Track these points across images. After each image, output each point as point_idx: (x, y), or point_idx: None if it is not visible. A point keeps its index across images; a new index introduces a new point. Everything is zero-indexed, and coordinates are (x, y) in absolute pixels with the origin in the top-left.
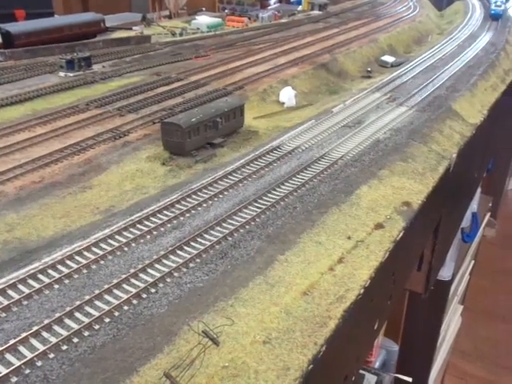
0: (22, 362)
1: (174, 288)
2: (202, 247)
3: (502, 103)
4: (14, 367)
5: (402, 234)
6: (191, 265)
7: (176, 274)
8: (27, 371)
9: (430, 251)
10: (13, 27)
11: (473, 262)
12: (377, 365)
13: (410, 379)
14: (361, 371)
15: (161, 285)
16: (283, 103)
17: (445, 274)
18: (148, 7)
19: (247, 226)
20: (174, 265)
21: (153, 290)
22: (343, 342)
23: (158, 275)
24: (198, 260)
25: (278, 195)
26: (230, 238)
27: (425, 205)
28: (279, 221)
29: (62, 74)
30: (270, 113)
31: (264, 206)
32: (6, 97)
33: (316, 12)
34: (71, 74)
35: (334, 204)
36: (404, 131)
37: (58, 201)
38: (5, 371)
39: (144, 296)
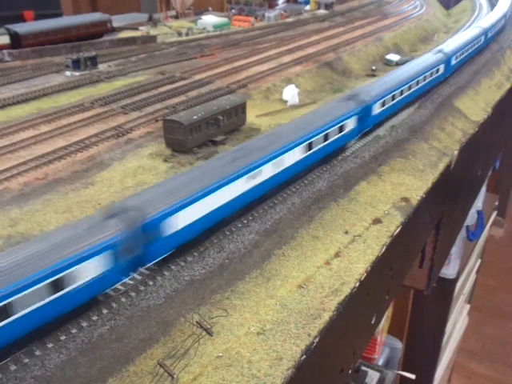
0: (22, 351)
1: (172, 281)
2: (200, 241)
3: (510, 102)
4: (12, 356)
5: (399, 229)
6: (189, 258)
7: (174, 268)
8: (26, 360)
9: (432, 248)
10: (20, 28)
11: (479, 260)
12: (380, 362)
13: (413, 376)
14: (364, 368)
15: (158, 277)
16: (286, 101)
17: (450, 272)
18: (156, 7)
19: (245, 221)
20: (172, 258)
21: (150, 283)
22: (338, 335)
23: (157, 268)
24: (195, 254)
25: (276, 190)
26: (227, 232)
27: (424, 201)
28: (277, 215)
29: (68, 73)
30: (273, 111)
31: (262, 201)
32: (13, 96)
33: (322, 11)
34: (77, 74)
35: (332, 199)
36: (405, 128)
37: (60, 197)
38: (4, 360)
39: (142, 288)
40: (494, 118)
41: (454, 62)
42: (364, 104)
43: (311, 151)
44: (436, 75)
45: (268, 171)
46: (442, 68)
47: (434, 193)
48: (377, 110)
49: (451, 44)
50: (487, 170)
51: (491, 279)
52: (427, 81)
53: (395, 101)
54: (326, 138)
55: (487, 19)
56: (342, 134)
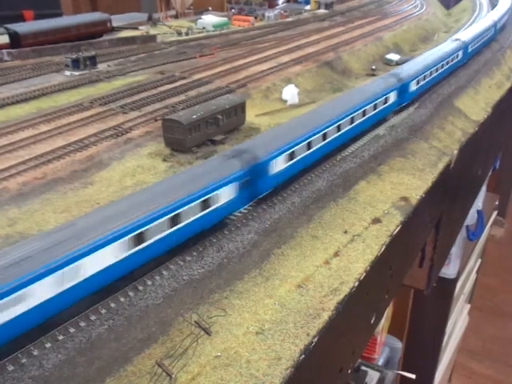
0: (19, 351)
1: (171, 280)
2: (199, 241)
3: (510, 101)
4: (10, 356)
5: (399, 228)
6: (188, 258)
7: (172, 267)
8: (24, 360)
9: (432, 248)
10: (20, 27)
11: (480, 260)
12: (380, 362)
13: (413, 376)
14: (364, 368)
15: (157, 277)
16: (286, 101)
17: (450, 271)
18: (156, 7)
19: (244, 220)
20: (171, 258)
21: (149, 283)
22: (337, 334)
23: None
24: (194, 253)
25: (276, 190)
26: (226, 232)
27: (424, 200)
28: (276, 215)
29: (67, 73)
30: (273, 110)
31: (261, 201)
32: (12, 95)
33: (322, 11)
34: (76, 73)
35: (331, 199)
36: (405, 127)
37: (59, 196)
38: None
39: (140, 288)
40: (494, 117)
41: (414, 87)
42: (252, 163)
43: (144, 245)
44: (383, 106)
45: (42, 293)
46: (393, 96)
47: (433, 192)
48: (280, 166)
49: (413, 64)
50: (487, 169)
51: (492, 279)
52: (370, 114)
53: (315, 148)
54: (174, 221)
55: (469, 31)
56: (210, 210)
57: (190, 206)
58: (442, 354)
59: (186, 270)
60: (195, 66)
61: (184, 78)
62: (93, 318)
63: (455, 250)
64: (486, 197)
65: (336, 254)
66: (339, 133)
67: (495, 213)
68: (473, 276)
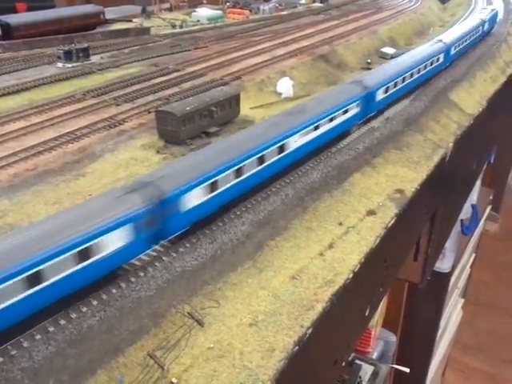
0: (9, 342)
1: (163, 272)
2: (191, 232)
3: (506, 95)
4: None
5: (393, 220)
6: (181, 249)
7: (165, 259)
8: (13, 352)
9: (426, 241)
10: (12, 19)
11: (474, 255)
12: (374, 355)
13: (407, 370)
14: (358, 361)
15: (150, 269)
16: (280, 94)
17: (444, 265)
18: (151, 0)
19: (238, 212)
20: (163, 249)
21: (141, 274)
22: (332, 326)
23: (147, 259)
24: (187, 245)
25: (269, 182)
26: (220, 224)
27: (418, 193)
28: (270, 207)
29: (59, 64)
30: (267, 103)
31: (255, 193)
32: (3, 87)
33: (317, 4)
34: (69, 65)
35: (326, 191)
36: (400, 120)
37: (51, 188)
38: None
39: (133, 279)
40: (489, 111)
41: (381, 96)
42: (157, 198)
43: None
44: (342, 119)
45: None
46: (355, 108)
47: (428, 185)
48: (196, 200)
49: (383, 70)
50: (482, 163)
51: (485, 273)
52: (324, 130)
53: (248, 175)
54: (35, 280)
55: (453, 31)
56: (91, 261)
57: (58, 259)
58: (436, 348)
59: (178, 262)
60: (189, 58)
61: (178, 70)
62: (84, 309)
63: (449, 244)
64: (481, 191)
65: (330, 246)
66: (281, 155)
67: (489, 207)
68: (467, 270)
